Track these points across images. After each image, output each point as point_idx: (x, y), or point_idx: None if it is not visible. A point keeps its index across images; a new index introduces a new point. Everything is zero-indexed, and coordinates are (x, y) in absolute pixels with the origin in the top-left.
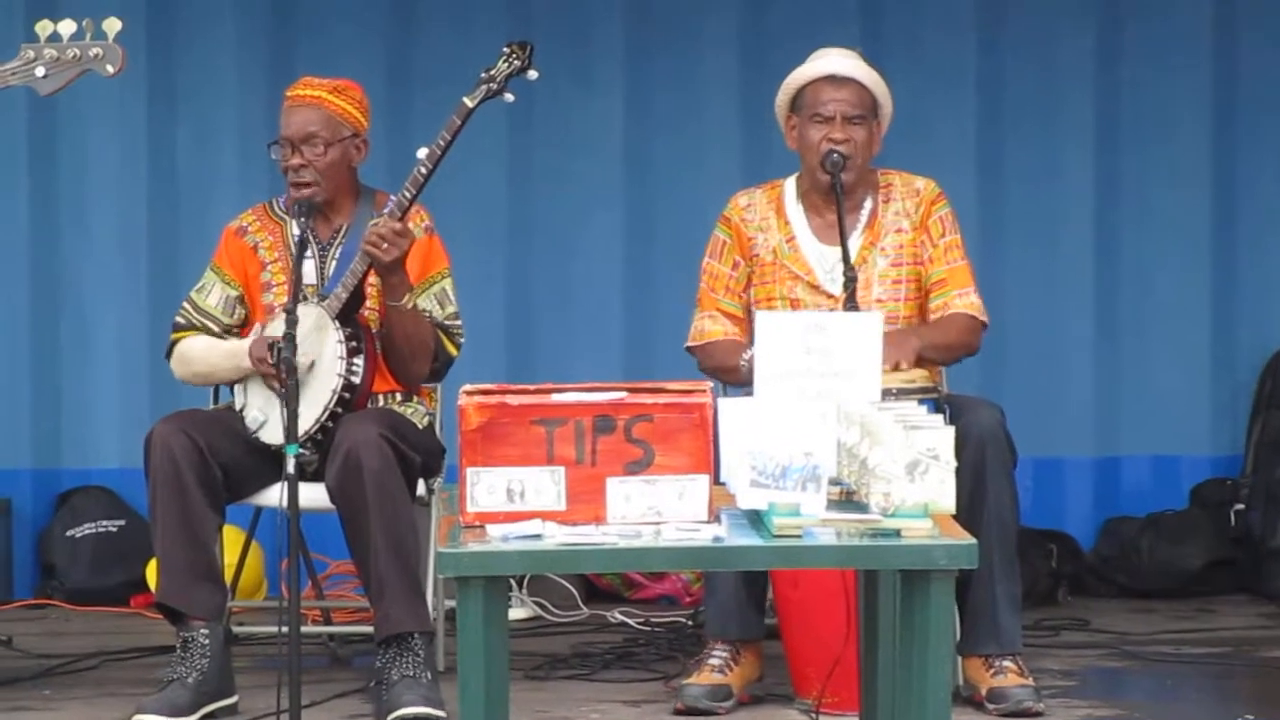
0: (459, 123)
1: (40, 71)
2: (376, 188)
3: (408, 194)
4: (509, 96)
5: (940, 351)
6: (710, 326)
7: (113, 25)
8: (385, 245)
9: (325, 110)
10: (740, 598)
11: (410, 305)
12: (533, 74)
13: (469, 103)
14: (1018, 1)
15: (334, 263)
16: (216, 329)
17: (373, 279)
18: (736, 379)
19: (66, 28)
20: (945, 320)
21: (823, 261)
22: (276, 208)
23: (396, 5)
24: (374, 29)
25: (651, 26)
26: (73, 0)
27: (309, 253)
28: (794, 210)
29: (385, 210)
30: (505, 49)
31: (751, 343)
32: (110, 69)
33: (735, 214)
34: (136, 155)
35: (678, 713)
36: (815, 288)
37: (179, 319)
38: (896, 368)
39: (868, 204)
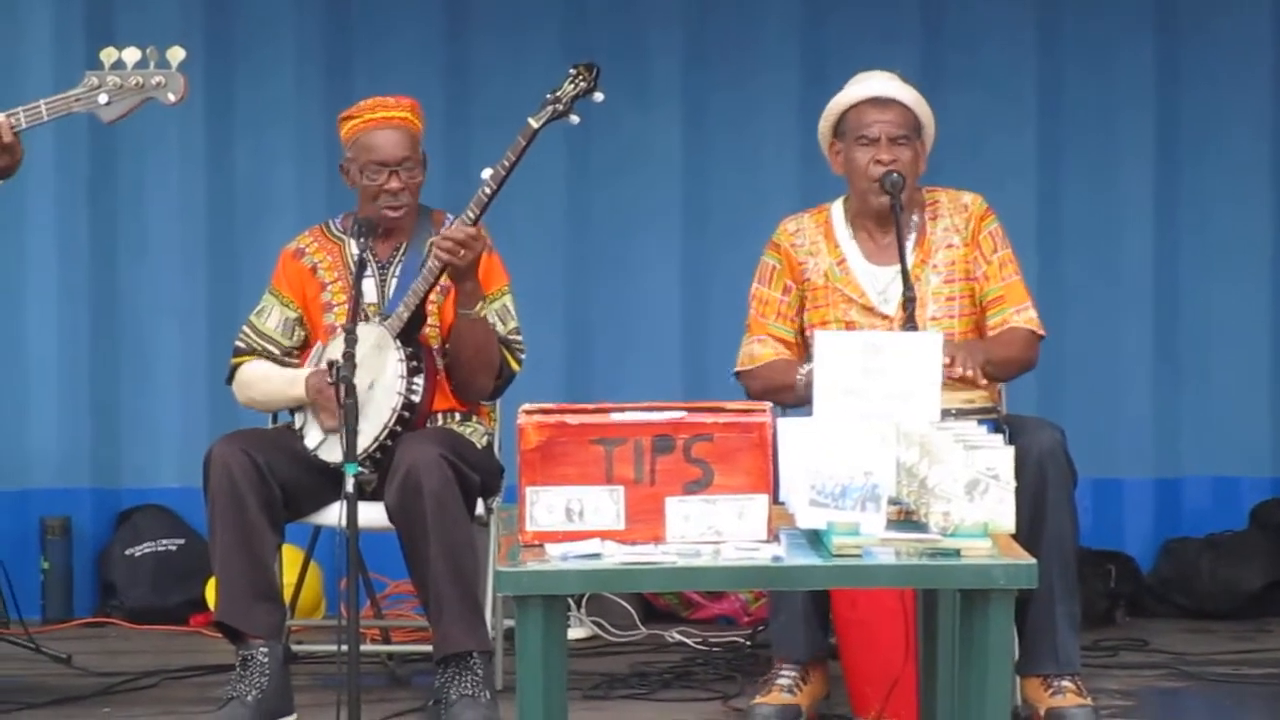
0: (524, 143)
1: (104, 99)
2: (434, 206)
3: (472, 214)
4: (574, 118)
5: (1003, 367)
6: (760, 350)
7: (176, 54)
8: (462, 251)
9: (411, 132)
10: (806, 616)
11: (482, 313)
12: (599, 96)
13: (534, 124)
14: (1077, 15)
15: (394, 281)
16: (277, 351)
17: (433, 298)
18: (791, 399)
19: (131, 55)
20: (1006, 335)
21: (875, 283)
22: (334, 228)
23: (452, 20)
24: (431, 45)
25: (709, 41)
26: (131, 24)
27: (369, 272)
28: (843, 234)
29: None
30: (572, 70)
31: (806, 360)
32: (172, 98)
33: (784, 239)
34: (195, 175)
35: None
36: (869, 309)
37: (239, 343)
38: (964, 379)
39: (915, 222)
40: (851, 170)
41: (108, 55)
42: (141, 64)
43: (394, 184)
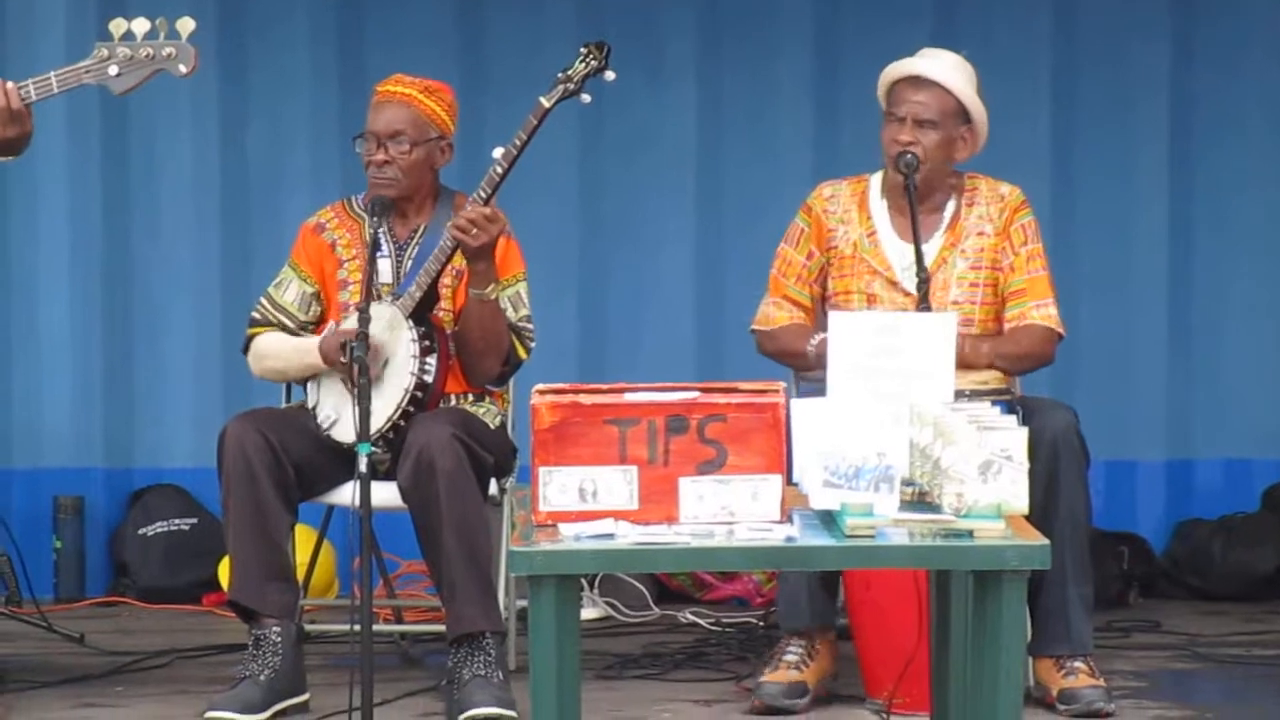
0: (535, 123)
1: (114, 70)
2: (456, 189)
3: (483, 193)
4: (585, 97)
5: (1012, 361)
6: (776, 313)
7: (186, 25)
8: (475, 230)
9: (414, 109)
10: (812, 588)
11: (494, 296)
12: (610, 75)
13: (545, 103)
14: (1091, 1)
15: (410, 262)
16: (292, 325)
17: (446, 280)
18: (802, 364)
19: (140, 26)
20: (1020, 330)
21: (902, 259)
22: (355, 205)
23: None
24: (445, 22)
25: (723, 21)
26: None
27: (384, 251)
28: (877, 205)
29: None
30: (582, 49)
31: (819, 330)
32: (183, 69)
33: (818, 204)
34: (208, 151)
35: (754, 711)
36: (893, 284)
37: (255, 314)
38: (968, 367)
39: (950, 206)
40: (883, 144)
41: (117, 26)
42: (151, 35)
43: (379, 156)
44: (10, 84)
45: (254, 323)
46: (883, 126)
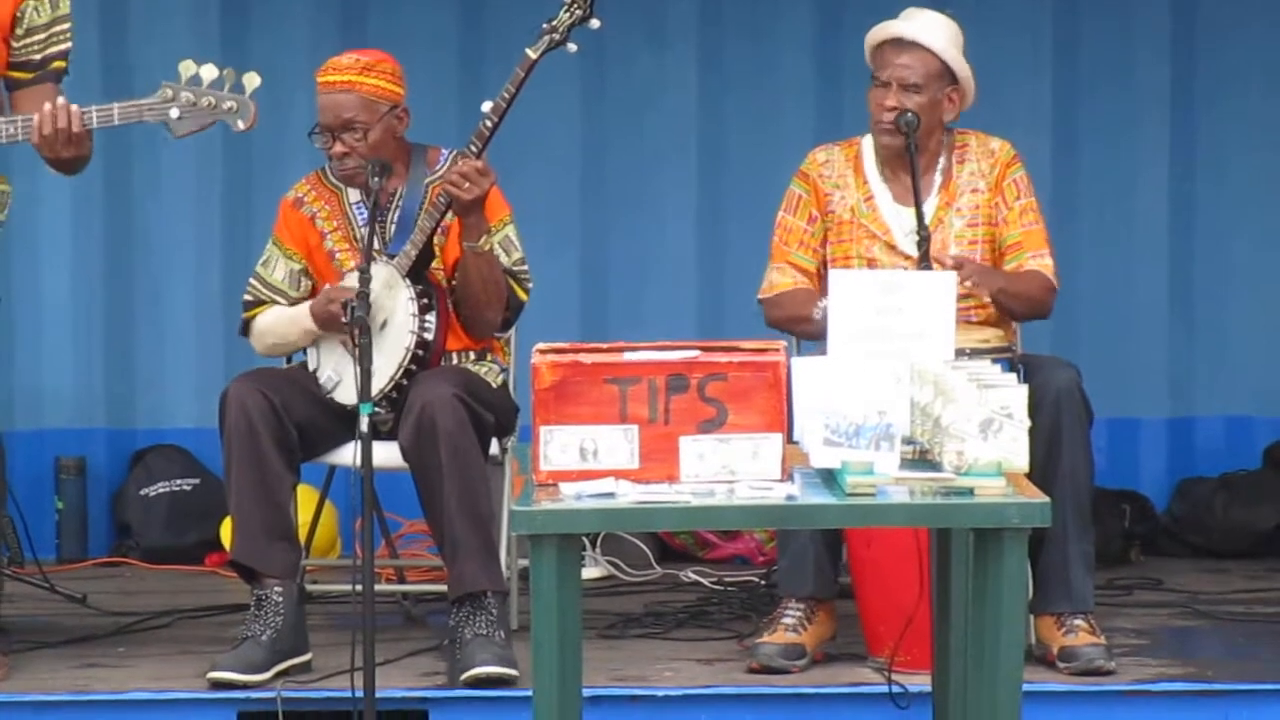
0: (523, 74)
1: (175, 113)
2: (428, 144)
3: (474, 147)
4: (572, 47)
5: (1017, 301)
6: (780, 279)
7: (252, 80)
8: (467, 184)
9: (359, 94)
10: (816, 555)
11: (487, 247)
12: (595, 23)
13: (532, 54)
14: None
15: (393, 226)
16: (285, 303)
17: (436, 239)
18: (807, 330)
19: (208, 73)
20: (1026, 274)
21: (900, 222)
22: (330, 176)
23: None
24: None
25: None
26: None
27: (365, 218)
28: (872, 170)
29: (441, 164)
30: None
31: (824, 295)
32: (241, 125)
33: (813, 169)
34: None
35: (751, 671)
36: (892, 248)
37: (247, 296)
38: (972, 291)
39: (941, 164)
40: (869, 109)
41: (186, 68)
42: (217, 84)
43: (337, 149)
44: (75, 107)
45: (247, 305)
46: (869, 90)
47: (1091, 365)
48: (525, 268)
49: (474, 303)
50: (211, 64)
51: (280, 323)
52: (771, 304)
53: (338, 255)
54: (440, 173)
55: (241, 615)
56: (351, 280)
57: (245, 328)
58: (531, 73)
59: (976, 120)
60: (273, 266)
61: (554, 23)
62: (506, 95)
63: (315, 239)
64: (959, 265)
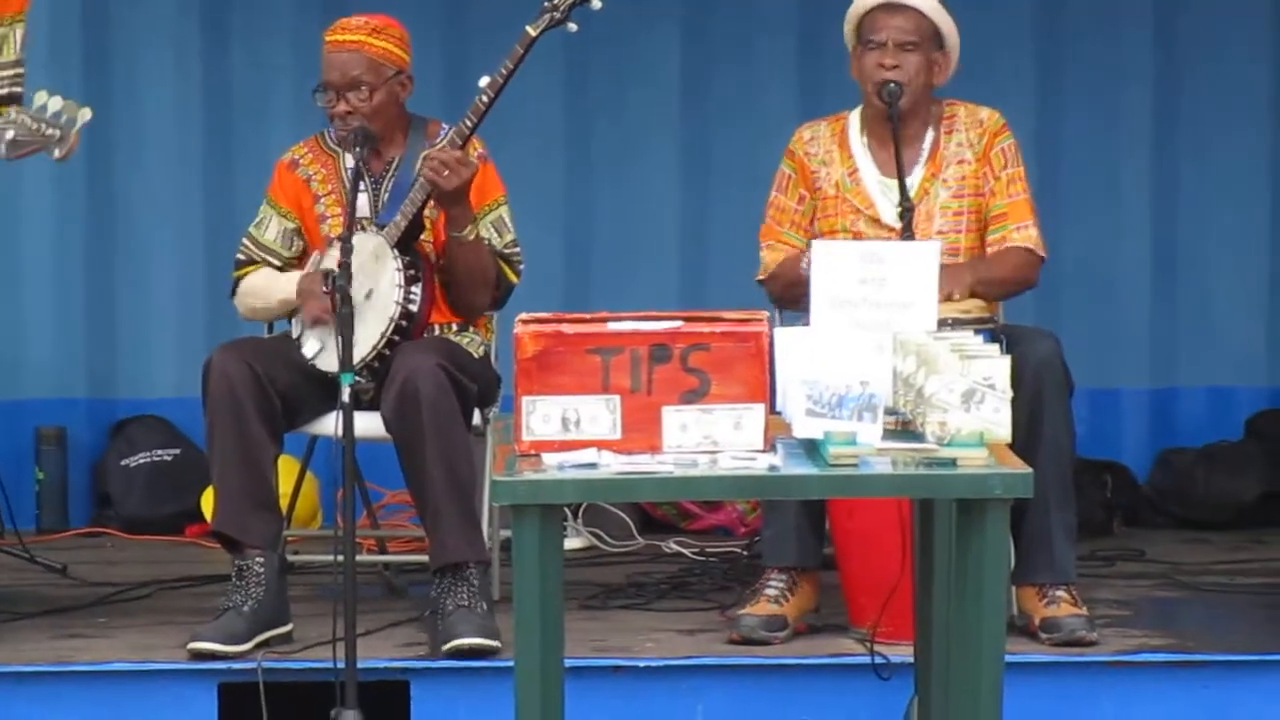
0: (522, 51)
1: (10, 134)
2: (429, 117)
3: (469, 122)
4: (572, 26)
5: (995, 286)
6: (770, 256)
7: (84, 114)
8: (446, 172)
9: (366, 54)
10: (799, 525)
11: (473, 236)
12: (596, 3)
13: (531, 31)
14: None
15: (387, 195)
16: (277, 263)
17: (428, 212)
18: (804, 292)
19: (54, 104)
20: (1002, 254)
21: (885, 195)
22: (329, 140)
23: None
24: None
25: None
26: None
27: (361, 185)
28: (857, 143)
29: (440, 138)
30: None
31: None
32: (58, 153)
33: (799, 147)
34: (190, 84)
35: (733, 642)
36: (876, 221)
37: (240, 255)
38: (949, 298)
39: (929, 135)
40: (861, 75)
41: (39, 97)
42: (56, 116)
43: (341, 107)
44: None
45: (239, 264)
46: (858, 58)
47: (1074, 335)
48: (518, 249)
49: (461, 288)
50: (59, 96)
51: (269, 288)
52: (770, 281)
53: (328, 220)
54: (440, 145)
55: (222, 586)
56: (334, 254)
57: (235, 288)
58: (530, 50)
59: (959, 92)
60: (265, 227)
61: (555, 1)
62: (505, 71)
63: (309, 201)
64: None
